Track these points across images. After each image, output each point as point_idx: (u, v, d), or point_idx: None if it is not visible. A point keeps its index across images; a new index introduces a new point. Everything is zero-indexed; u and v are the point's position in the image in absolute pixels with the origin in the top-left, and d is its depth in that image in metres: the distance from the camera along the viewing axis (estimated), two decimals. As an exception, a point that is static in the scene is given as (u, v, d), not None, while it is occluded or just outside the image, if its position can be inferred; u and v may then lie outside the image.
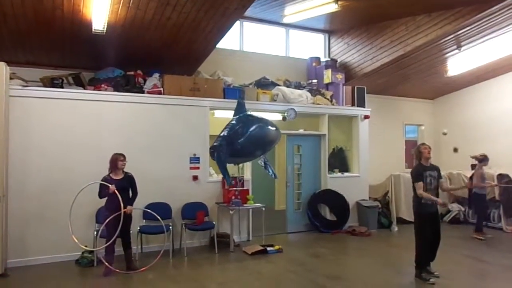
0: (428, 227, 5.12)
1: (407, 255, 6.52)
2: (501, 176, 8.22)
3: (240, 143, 4.04)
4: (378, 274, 5.45)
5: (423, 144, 5.41)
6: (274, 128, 4.51)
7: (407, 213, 8.79)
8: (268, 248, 6.40)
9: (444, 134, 7.31)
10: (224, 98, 7.15)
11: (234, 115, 4.30)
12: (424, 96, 10.94)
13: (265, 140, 4.14)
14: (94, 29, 5.42)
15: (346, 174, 8.68)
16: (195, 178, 6.77)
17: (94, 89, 6.37)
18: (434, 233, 5.15)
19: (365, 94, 8.84)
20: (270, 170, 4.36)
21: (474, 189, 7.61)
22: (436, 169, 5.25)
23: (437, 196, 5.18)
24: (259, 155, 4.25)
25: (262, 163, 4.35)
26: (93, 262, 5.61)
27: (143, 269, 5.38)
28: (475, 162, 8.80)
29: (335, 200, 8.28)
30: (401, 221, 8.58)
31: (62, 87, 6.21)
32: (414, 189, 5.19)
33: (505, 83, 9.37)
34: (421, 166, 5.19)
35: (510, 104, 9.22)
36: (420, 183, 5.05)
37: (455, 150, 8.73)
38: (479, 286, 4.98)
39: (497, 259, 6.15)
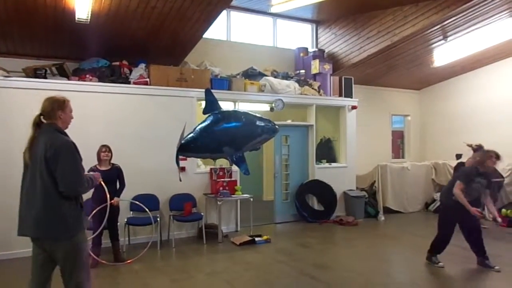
0: (451, 220, 5.10)
1: (394, 244, 6.65)
2: (485, 166, 8.36)
3: (199, 140, 4.00)
4: (365, 262, 5.52)
5: (495, 155, 4.96)
6: (250, 124, 4.24)
7: (394, 203, 8.95)
8: (256, 239, 6.43)
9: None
10: (212, 88, 7.09)
11: (205, 112, 4.22)
12: (411, 86, 11.02)
13: (232, 136, 4.05)
14: (78, 18, 5.31)
15: (333, 164, 8.74)
16: (182, 169, 6.72)
17: (78, 80, 6.26)
18: (471, 230, 5.16)
19: (352, 85, 8.87)
20: (241, 167, 4.28)
21: None
22: (488, 178, 5.02)
23: (479, 203, 5.21)
24: (230, 152, 4.14)
25: (234, 159, 4.24)
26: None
27: (130, 260, 5.37)
28: (460, 152, 9.00)
29: (323, 190, 8.34)
30: (387, 211, 8.70)
31: (45, 78, 6.08)
32: (451, 182, 5.13)
33: (489, 73, 9.48)
34: (475, 170, 4.99)
35: (494, 95, 9.34)
36: (462, 184, 4.90)
37: (458, 156, 8.90)
38: (463, 273, 5.07)
39: (480, 246, 6.28)
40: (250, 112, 4.40)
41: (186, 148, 4.08)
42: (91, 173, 3.15)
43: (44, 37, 6.10)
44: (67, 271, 2.77)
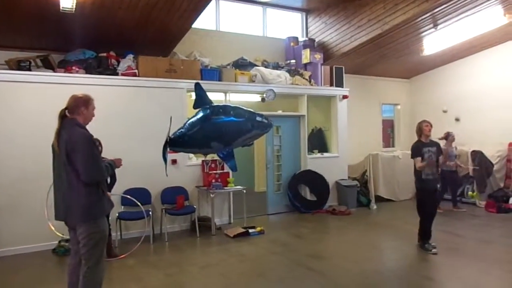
0: (429, 201, 5.36)
1: (386, 232, 6.69)
2: (474, 153, 8.44)
3: (187, 135, 3.93)
4: (359, 251, 5.54)
5: (424, 121, 5.47)
6: (239, 119, 4.03)
7: (385, 191, 8.99)
8: (250, 230, 6.39)
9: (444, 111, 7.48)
10: (202, 79, 6.98)
11: (195, 106, 4.12)
12: (401, 75, 11.01)
13: (220, 132, 3.96)
14: (62, 7, 5.11)
15: (325, 154, 8.72)
16: (174, 162, 6.64)
17: (64, 72, 6.08)
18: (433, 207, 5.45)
19: (343, 74, 8.83)
20: (229, 163, 4.21)
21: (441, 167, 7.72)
22: (436, 145, 5.44)
23: (436, 172, 5.44)
24: (219, 147, 4.06)
25: (222, 154, 4.17)
26: (70, 251, 5.45)
27: (123, 255, 5.29)
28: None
29: (315, 180, 8.33)
30: (379, 199, 8.74)
31: (30, 70, 5.89)
32: (414, 165, 5.37)
33: (479, 61, 9.49)
34: (420, 143, 5.37)
35: (483, 82, 9.37)
36: (418, 159, 5.25)
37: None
38: (455, 259, 5.10)
39: (471, 233, 6.36)
40: (242, 107, 4.29)
41: (175, 143, 4.00)
42: (112, 158, 3.51)
43: (27, 27, 5.89)
44: (84, 253, 3.13)
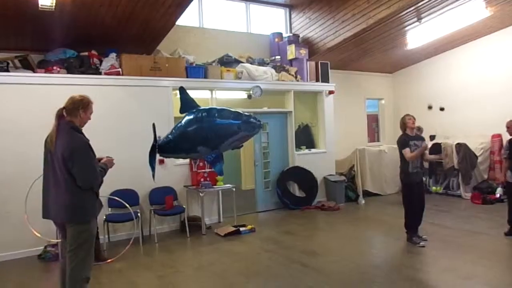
0: (415, 195, 5.40)
1: (376, 226, 6.72)
2: (458, 145, 8.55)
3: (173, 140, 3.85)
4: (352, 246, 5.54)
5: (407, 115, 5.57)
6: (225, 122, 4.01)
7: (372, 186, 9.05)
8: (241, 229, 6.32)
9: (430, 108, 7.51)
10: (187, 77, 6.88)
11: (181, 111, 4.03)
12: (384, 70, 11.09)
13: (206, 136, 3.87)
14: (41, 5, 4.92)
15: (313, 150, 8.71)
16: (161, 161, 6.49)
17: (45, 72, 5.87)
18: (419, 200, 5.49)
19: (329, 69, 8.82)
20: (215, 168, 4.12)
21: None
22: (421, 139, 5.53)
23: (422, 165, 5.53)
24: (206, 151, 3.96)
25: (209, 159, 4.07)
26: (57, 256, 5.27)
27: (112, 259, 5.15)
28: (434, 133, 9.25)
29: (304, 176, 8.31)
30: (367, 194, 8.79)
31: (7, 71, 5.67)
32: (401, 158, 5.43)
33: (461, 55, 9.61)
34: (406, 136, 5.43)
35: (466, 75, 9.50)
36: (407, 149, 5.30)
37: (432, 137, 9.26)
38: (447, 251, 5.15)
39: (459, 224, 6.43)
40: (229, 108, 4.18)
41: (161, 149, 3.92)
42: (104, 159, 3.47)
43: (3, 27, 5.63)
44: (69, 251, 3.16)
